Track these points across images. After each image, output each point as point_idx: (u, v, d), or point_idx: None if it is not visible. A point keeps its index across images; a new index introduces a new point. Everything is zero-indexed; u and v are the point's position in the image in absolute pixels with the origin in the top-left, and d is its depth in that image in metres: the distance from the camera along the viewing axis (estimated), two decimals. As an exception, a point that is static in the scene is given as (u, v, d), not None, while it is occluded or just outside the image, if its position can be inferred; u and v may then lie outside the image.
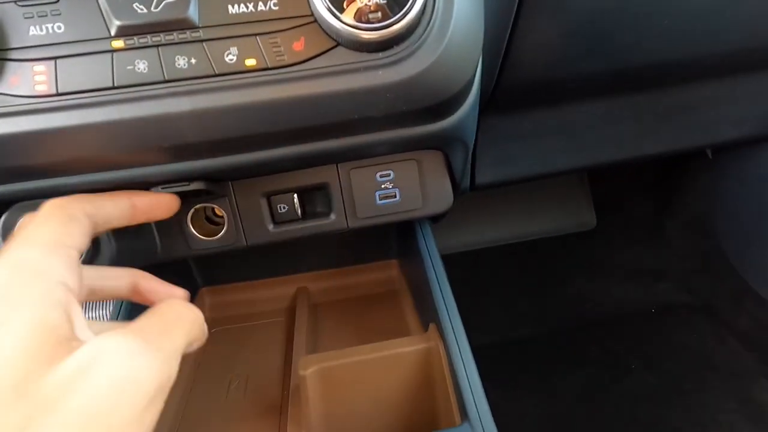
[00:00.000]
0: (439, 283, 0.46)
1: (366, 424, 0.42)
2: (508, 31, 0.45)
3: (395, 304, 0.60)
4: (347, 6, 0.23)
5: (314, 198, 0.42)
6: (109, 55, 0.24)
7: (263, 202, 0.39)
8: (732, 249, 0.96)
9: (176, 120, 0.24)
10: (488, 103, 0.55)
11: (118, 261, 0.35)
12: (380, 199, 0.41)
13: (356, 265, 0.65)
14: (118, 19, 0.23)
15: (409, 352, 0.43)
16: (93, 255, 0.33)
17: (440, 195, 0.42)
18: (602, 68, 0.53)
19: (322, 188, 0.41)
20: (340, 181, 0.40)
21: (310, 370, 0.42)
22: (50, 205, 0.24)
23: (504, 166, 0.68)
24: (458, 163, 0.40)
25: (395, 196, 0.41)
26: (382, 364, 0.43)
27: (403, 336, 0.45)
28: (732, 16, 0.51)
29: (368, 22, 0.23)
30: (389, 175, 0.40)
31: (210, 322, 0.62)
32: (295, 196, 0.40)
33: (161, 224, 0.38)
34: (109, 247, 0.34)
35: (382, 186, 0.40)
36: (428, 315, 0.47)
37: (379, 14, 0.23)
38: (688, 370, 0.89)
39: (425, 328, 0.48)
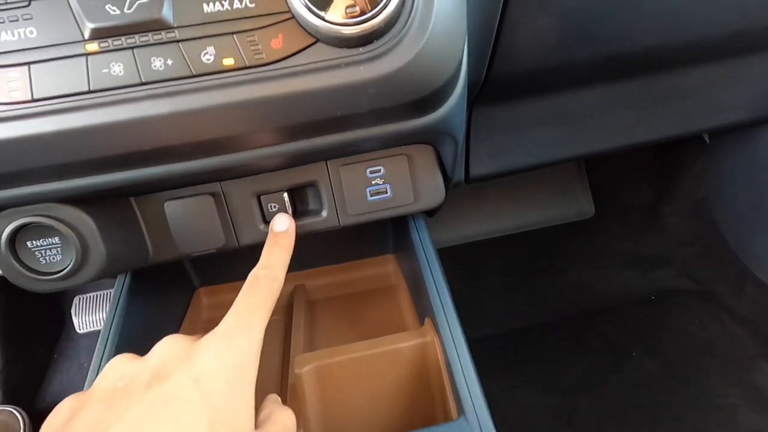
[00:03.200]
0: (433, 278, 0.46)
1: (363, 420, 0.42)
2: (497, 20, 0.44)
3: (392, 299, 0.60)
4: (325, 1, 0.23)
5: (305, 196, 0.42)
6: (83, 58, 0.23)
7: (253, 202, 0.39)
8: (731, 234, 0.95)
9: (156, 123, 0.24)
10: (480, 94, 0.55)
11: (108, 266, 0.35)
12: (371, 196, 0.41)
13: (353, 261, 0.65)
14: (91, 21, 0.23)
15: (405, 347, 0.42)
16: (81, 262, 0.33)
17: (432, 189, 0.42)
18: (594, 55, 0.53)
19: (312, 186, 0.41)
20: (329, 179, 0.40)
21: (306, 368, 0.42)
22: (267, 284, 0.31)
23: (499, 157, 0.67)
24: (449, 156, 0.40)
25: (386, 192, 0.41)
26: (378, 361, 0.43)
27: (401, 331, 0.45)
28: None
29: (347, 17, 0.23)
30: (379, 170, 0.40)
31: (207, 322, 0.63)
32: (286, 195, 0.40)
33: (152, 227, 0.38)
34: (98, 253, 0.34)
35: (373, 182, 0.40)
36: (424, 309, 0.47)
37: (358, 9, 0.23)
38: (689, 356, 0.89)
39: (422, 322, 0.48)
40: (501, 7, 0.42)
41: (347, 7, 0.23)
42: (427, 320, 0.44)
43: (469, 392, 0.36)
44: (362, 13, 0.23)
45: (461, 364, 0.37)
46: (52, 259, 0.33)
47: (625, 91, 0.64)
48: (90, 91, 0.23)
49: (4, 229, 0.31)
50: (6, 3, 0.22)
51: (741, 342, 0.89)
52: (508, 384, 0.87)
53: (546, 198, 1.13)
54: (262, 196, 0.39)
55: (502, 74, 0.51)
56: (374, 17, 0.23)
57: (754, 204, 0.88)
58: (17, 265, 0.32)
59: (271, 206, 0.40)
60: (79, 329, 0.96)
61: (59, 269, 0.33)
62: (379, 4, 0.23)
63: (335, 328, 0.57)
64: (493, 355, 0.92)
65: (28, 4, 0.22)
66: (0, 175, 0.26)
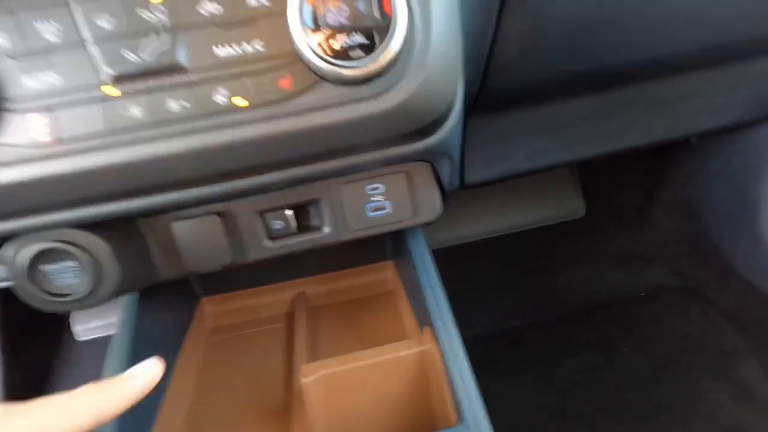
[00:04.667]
0: (431, 286, 0.47)
1: (367, 427, 0.44)
2: (491, 36, 0.46)
3: (391, 304, 0.61)
4: (329, 44, 0.24)
5: (307, 211, 0.43)
6: (103, 102, 0.24)
7: (258, 220, 0.41)
8: (716, 232, 0.98)
9: (171, 160, 0.26)
10: (474, 105, 0.56)
11: (122, 287, 0.36)
12: (371, 211, 0.42)
13: (352, 268, 0.67)
14: (110, 67, 0.24)
15: (406, 355, 0.44)
16: (96, 284, 0.34)
17: (430, 204, 0.44)
18: (585, 68, 0.55)
19: (314, 202, 0.42)
20: (331, 196, 0.41)
21: (311, 377, 0.43)
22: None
23: (493, 164, 0.69)
24: (446, 172, 0.42)
25: (386, 208, 0.42)
26: (380, 369, 0.44)
27: (401, 337, 0.47)
28: (711, 13, 0.52)
29: (350, 59, 0.24)
30: (379, 187, 0.41)
31: (212, 331, 0.64)
32: (289, 212, 0.41)
33: (161, 246, 0.40)
34: (113, 274, 0.35)
35: (373, 198, 0.42)
36: (423, 317, 0.49)
37: (360, 51, 0.24)
38: (678, 352, 0.92)
39: (421, 329, 0.49)
40: (495, 23, 0.44)
41: (350, 49, 0.24)
42: (426, 329, 0.46)
43: (469, 399, 0.37)
44: (365, 54, 0.24)
45: (460, 372, 0.39)
46: (68, 282, 0.35)
47: (614, 100, 0.66)
48: (109, 133, 0.25)
49: (22, 255, 0.33)
50: (30, 52, 0.23)
51: (726, 337, 0.92)
52: (504, 382, 0.90)
53: (538, 198, 1.15)
54: (266, 213, 0.41)
55: (495, 88, 0.53)
56: (376, 59, 0.25)
57: (737, 204, 0.90)
58: (34, 288, 0.34)
59: (275, 223, 0.41)
60: (79, 337, 0.97)
61: (75, 291, 0.35)
62: (380, 46, 0.24)
63: (337, 335, 0.58)
64: (489, 353, 0.95)
65: (52, 53, 0.23)
66: (19, 211, 0.27)
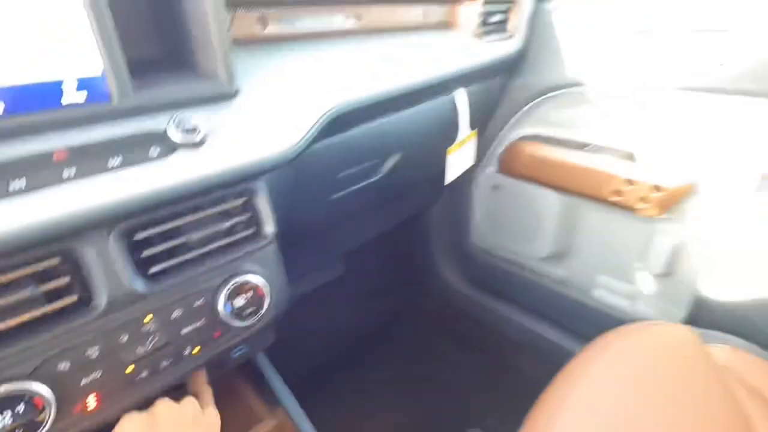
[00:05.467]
0: (272, 375, 0.79)
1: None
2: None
3: (237, 389, 0.87)
4: (238, 315, 0.54)
5: None
6: (126, 378, 0.47)
7: None
8: (415, 273, 1.60)
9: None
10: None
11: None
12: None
13: None
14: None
15: (270, 429, 0.74)
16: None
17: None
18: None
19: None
20: None
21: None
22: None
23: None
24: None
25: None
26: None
27: (253, 413, 0.75)
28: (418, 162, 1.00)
29: (247, 319, 0.55)
30: None
31: None
32: None
33: None
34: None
35: None
36: (271, 399, 0.79)
37: (252, 314, 0.55)
38: (422, 345, 1.48)
39: (269, 407, 0.79)
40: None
41: (245, 313, 0.55)
42: (279, 408, 0.76)
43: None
44: (254, 315, 0.55)
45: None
46: None
47: (370, 210, 1.11)
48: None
49: None
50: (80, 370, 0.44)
51: (432, 330, 1.54)
52: (335, 394, 1.26)
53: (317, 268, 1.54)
54: None
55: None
56: (260, 317, 0.56)
57: (422, 254, 1.52)
58: None
59: None
60: None
61: None
62: (261, 312, 0.56)
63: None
64: (311, 389, 1.29)
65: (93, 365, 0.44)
66: None
